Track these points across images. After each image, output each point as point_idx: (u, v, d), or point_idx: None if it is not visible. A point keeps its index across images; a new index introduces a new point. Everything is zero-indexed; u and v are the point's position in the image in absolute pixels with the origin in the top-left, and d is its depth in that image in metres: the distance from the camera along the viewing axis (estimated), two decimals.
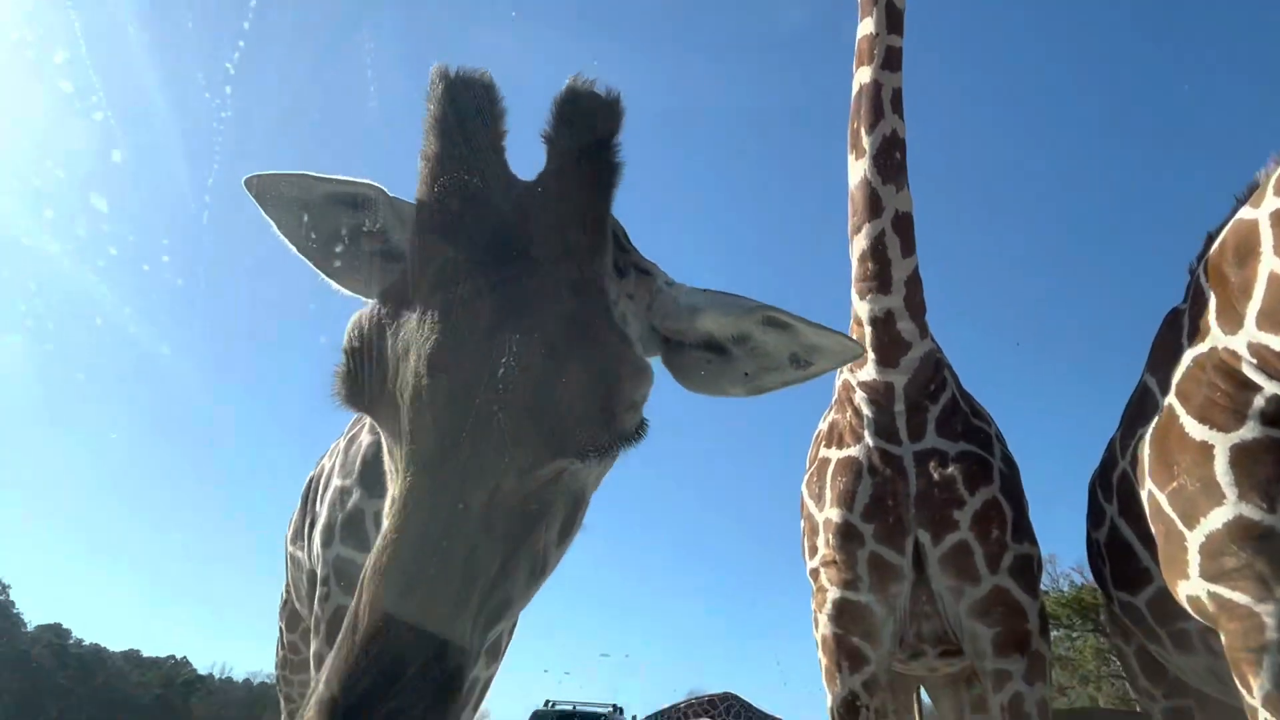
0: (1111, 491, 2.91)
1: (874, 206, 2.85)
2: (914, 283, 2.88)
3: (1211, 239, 2.46)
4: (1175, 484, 2.37)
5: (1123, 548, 2.84)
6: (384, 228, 1.34)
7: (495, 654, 3.06)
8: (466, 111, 1.16)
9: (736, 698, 14.45)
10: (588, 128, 1.18)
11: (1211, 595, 2.26)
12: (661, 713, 15.32)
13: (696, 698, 15.31)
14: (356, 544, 2.79)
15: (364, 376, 1.10)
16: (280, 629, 4.44)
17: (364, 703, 0.87)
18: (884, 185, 2.85)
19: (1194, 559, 2.29)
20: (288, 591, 4.11)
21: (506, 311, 1.07)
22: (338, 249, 1.35)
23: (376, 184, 1.34)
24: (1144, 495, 2.54)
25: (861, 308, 2.90)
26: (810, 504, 3.14)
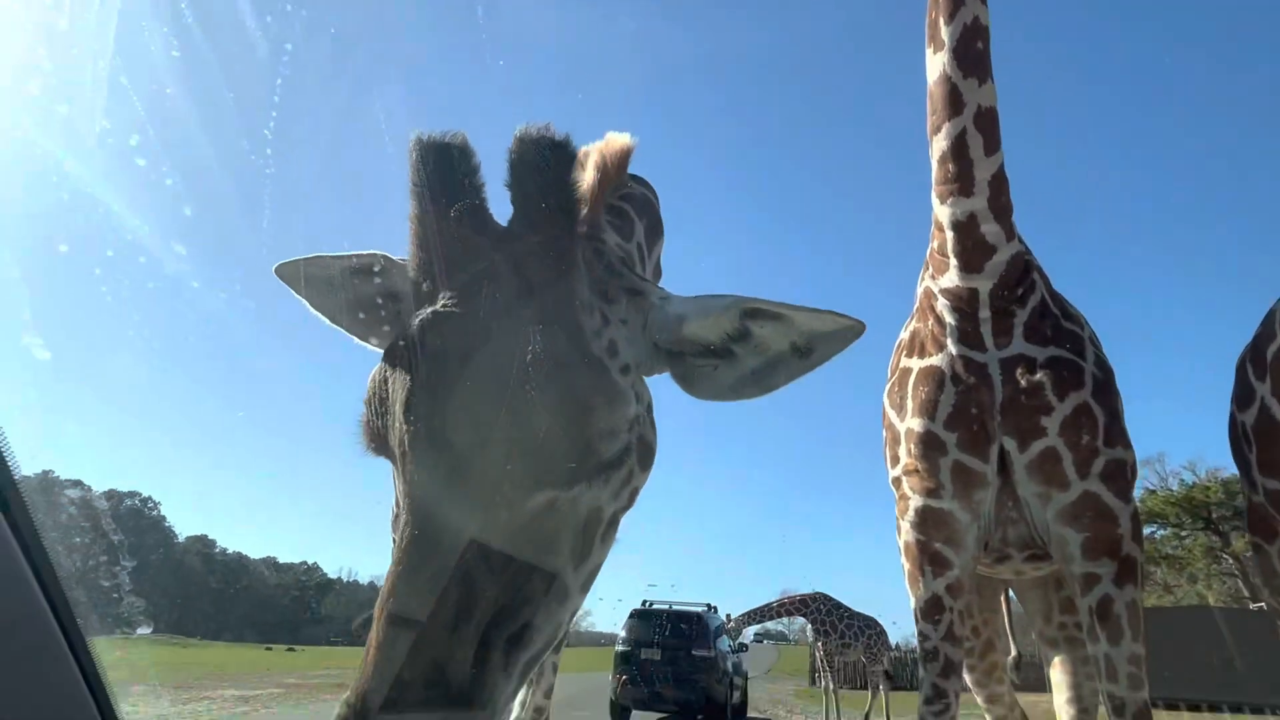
0: (1265, 368, 2.75)
1: (954, 103, 2.67)
2: (999, 182, 2.71)
3: None
4: None
5: (1273, 429, 2.70)
6: (393, 288, 1.49)
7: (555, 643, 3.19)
8: (442, 174, 1.23)
9: (827, 597, 14.82)
10: (542, 172, 1.22)
11: None
12: (754, 610, 15.91)
13: (788, 597, 15.79)
14: None
15: (378, 426, 1.21)
16: (392, 539, 4.82)
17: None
18: (965, 79, 2.65)
19: None
20: (395, 505, 4.43)
21: (475, 357, 1.15)
22: (361, 315, 1.50)
23: (380, 252, 1.52)
24: None
25: (942, 212, 2.77)
26: (891, 414, 3.12)
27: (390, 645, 1.03)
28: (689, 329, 1.40)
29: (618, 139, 2.10)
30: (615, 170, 2.04)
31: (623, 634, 14.52)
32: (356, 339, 1.52)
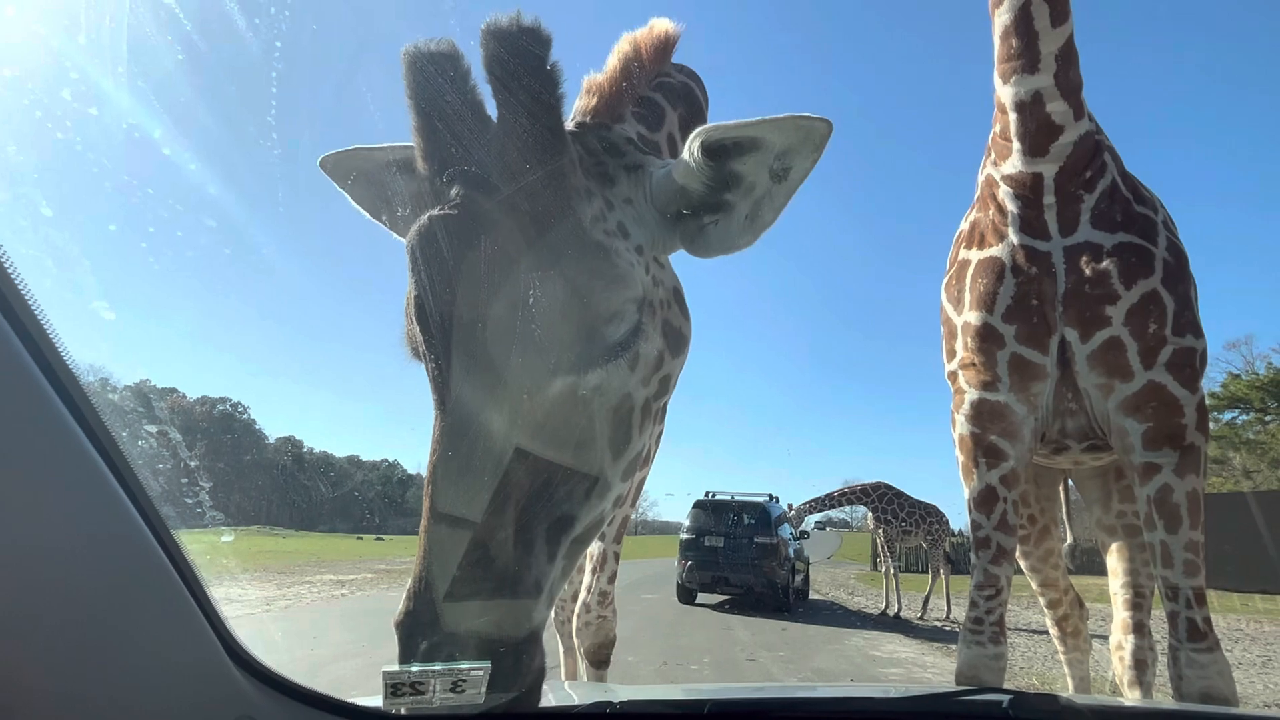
0: None
1: None
2: (1067, 56, 2.53)
3: None
4: None
5: None
6: None
7: (619, 502, 3.36)
8: (431, 82, 1.23)
9: (889, 486, 14.99)
10: (517, 60, 1.20)
11: None
12: (816, 499, 16.25)
13: (850, 486, 16.03)
14: None
15: (411, 332, 1.26)
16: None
17: (429, 613, 1.08)
18: None
19: None
20: None
21: (469, 256, 1.18)
22: (400, 211, 1.48)
23: None
24: None
25: (1005, 92, 2.62)
26: (949, 308, 3.06)
27: (437, 542, 1.12)
28: (678, 178, 1.40)
29: (660, 25, 2.03)
30: (651, 57, 1.98)
31: (687, 523, 15.11)
32: (396, 235, 1.52)
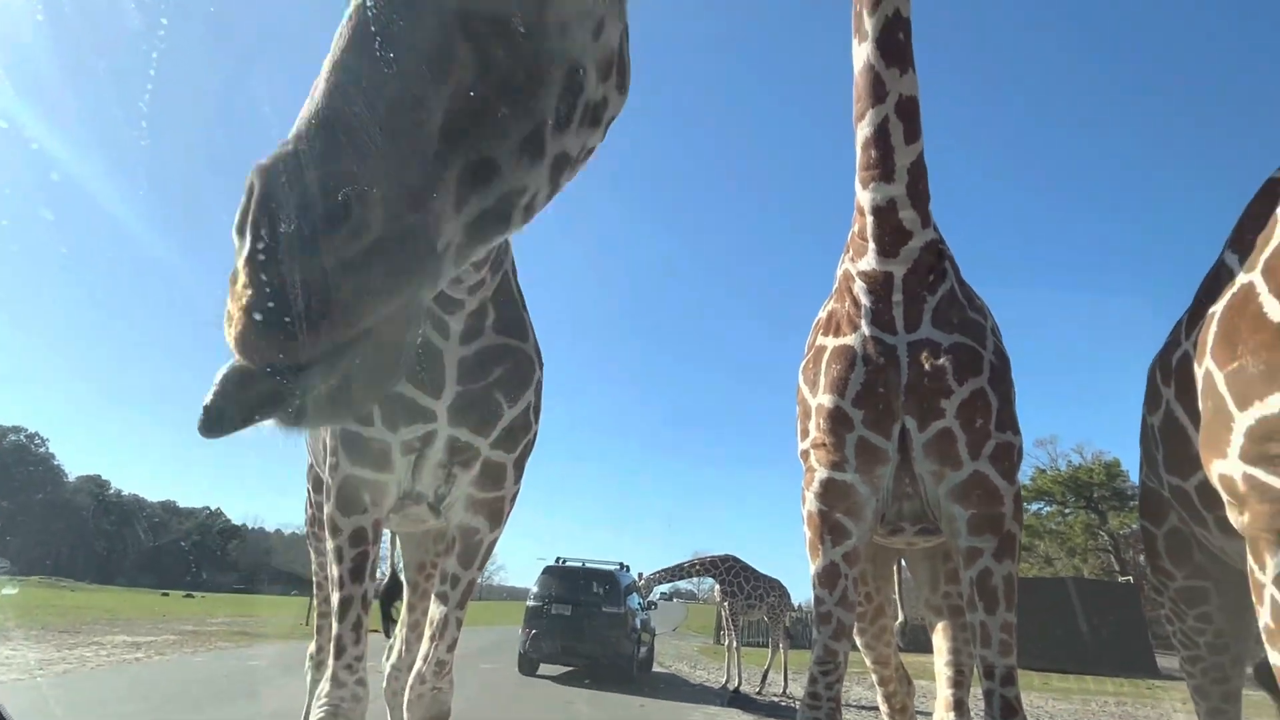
0: (1170, 374, 2.91)
1: (877, 91, 2.77)
2: (918, 170, 2.83)
3: None
4: (1237, 364, 2.28)
5: (1177, 432, 2.84)
6: None
7: (498, 520, 3.28)
8: None
9: (737, 559, 15.31)
10: None
11: (1246, 476, 2.23)
12: (666, 569, 16.32)
13: (700, 558, 16.24)
14: (362, 419, 2.91)
15: None
16: (308, 490, 4.72)
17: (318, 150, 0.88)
18: (887, 69, 2.76)
19: (1238, 440, 2.26)
20: (312, 457, 4.35)
21: None
22: None
23: None
24: (1200, 372, 2.46)
25: (864, 196, 2.88)
26: (805, 389, 3.23)
27: (311, 139, 0.90)
28: None
29: None
30: None
31: (534, 589, 14.70)
32: None
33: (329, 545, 2.99)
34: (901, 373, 2.95)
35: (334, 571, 2.94)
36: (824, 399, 3.06)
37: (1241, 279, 2.36)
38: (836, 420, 3.01)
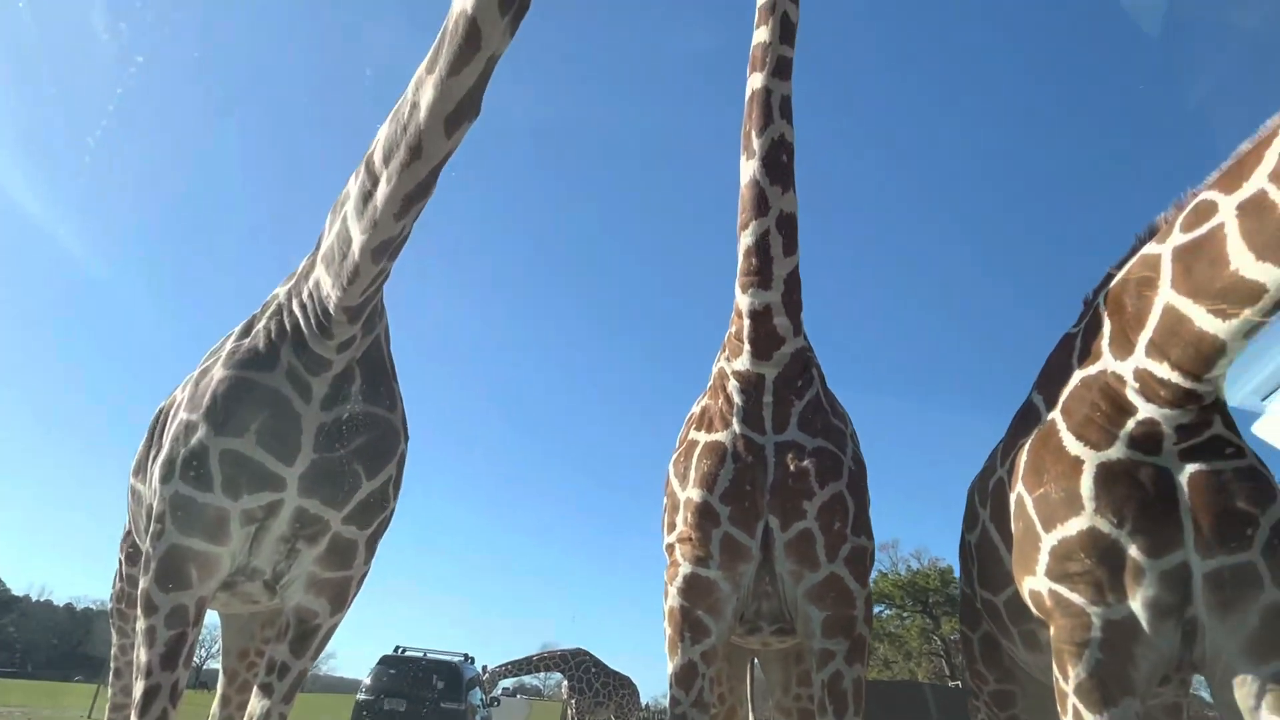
0: (987, 497, 3.15)
1: (761, 205, 2.99)
2: (793, 281, 3.04)
3: (1111, 275, 2.68)
4: (1043, 489, 2.60)
5: (991, 550, 3.09)
6: None
7: (341, 603, 3.03)
8: None
9: (587, 653, 14.86)
10: None
11: (1052, 592, 2.52)
12: (513, 662, 15.56)
13: (549, 651, 15.63)
14: (197, 482, 2.66)
15: None
16: (120, 560, 4.21)
17: None
18: (771, 185, 3.00)
19: (1044, 558, 2.55)
20: (131, 523, 3.90)
21: None
22: None
23: None
24: (1013, 497, 2.78)
25: (743, 300, 3.03)
26: (675, 482, 3.27)
27: None
28: None
29: None
30: None
31: (367, 682, 13.50)
32: None
33: (140, 625, 2.65)
34: (768, 472, 3.04)
35: (142, 656, 2.59)
36: (693, 493, 3.09)
37: (1046, 416, 2.73)
38: (704, 515, 3.04)
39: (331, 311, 2.64)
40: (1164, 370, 2.33)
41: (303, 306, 2.77)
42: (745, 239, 3.02)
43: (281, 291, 2.98)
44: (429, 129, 2.14)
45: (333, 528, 2.85)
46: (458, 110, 2.12)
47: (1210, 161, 2.30)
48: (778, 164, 3.02)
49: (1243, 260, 2.11)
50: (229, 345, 2.97)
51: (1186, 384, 2.31)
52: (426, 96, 2.11)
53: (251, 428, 2.70)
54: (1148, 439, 2.45)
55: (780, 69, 3.10)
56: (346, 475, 2.82)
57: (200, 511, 2.65)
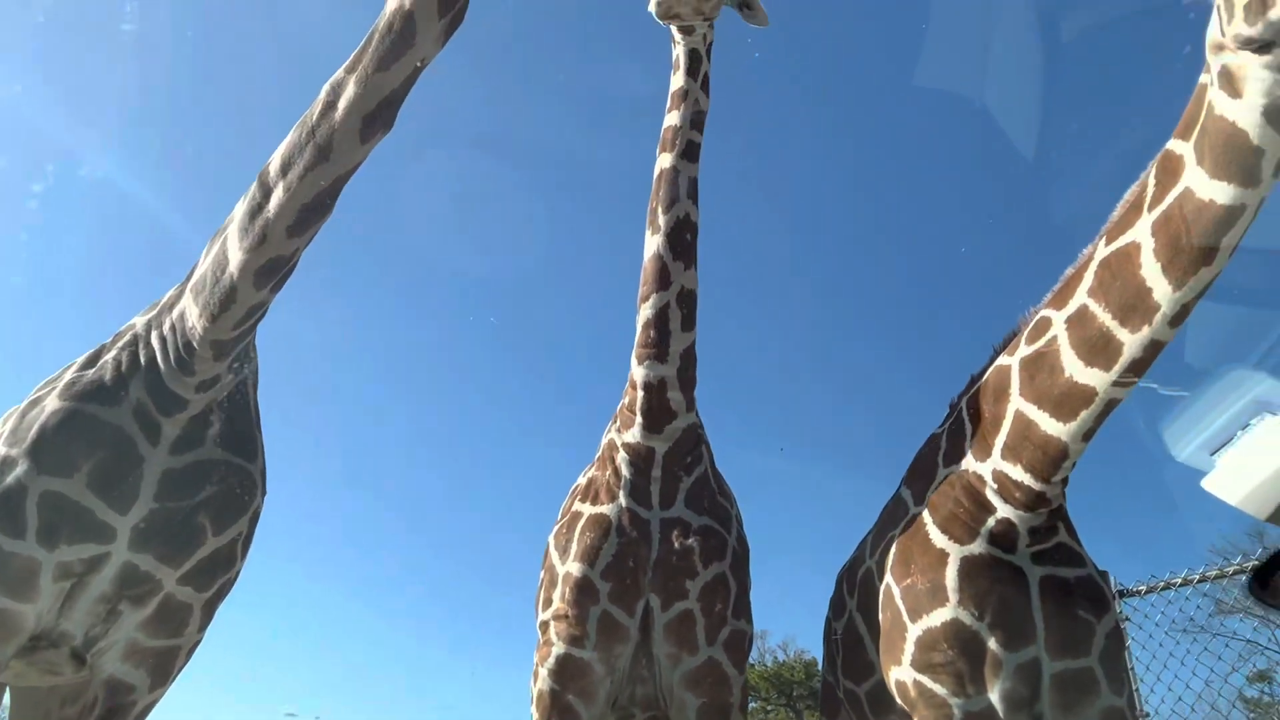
0: (855, 586, 3.17)
1: (663, 279, 3.05)
2: (689, 357, 3.07)
3: (974, 380, 2.86)
4: (909, 580, 2.65)
5: (856, 640, 3.10)
6: None
7: (164, 676, 2.66)
8: None
9: None
10: None
11: (916, 683, 2.56)
12: None
13: None
14: (7, 526, 2.30)
15: None
16: None
17: None
18: (674, 261, 3.06)
19: (909, 649, 2.59)
20: None
21: None
22: None
23: None
24: (881, 587, 2.82)
25: (638, 372, 3.03)
26: (555, 555, 3.13)
27: None
28: None
29: None
30: None
31: None
32: None
33: None
34: (652, 548, 2.97)
35: None
36: (573, 567, 2.97)
37: (914, 510, 2.84)
38: (583, 591, 2.91)
39: (195, 345, 2.41)
40: (1018, 473, 2.49)
41: (162, 340, 2.51)
42: (645, 311, 3.05)
43: (140, 321, 2.70)
44: (343, 128, 2.09)
45: (165, 588, 2.51)
46: (377, 111, 2.09)
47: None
48: (682, 241, 3.10)
49: (1074, 367, 2.33)
50: (68, 375, 2.63)
51: (1037, 486, 2.46)
52: (347, 94, 2.07)
53: (83, 468, 2.38)
54: (1005, 537, 2.59)
55: (689, 152, 3.24)
56: (189, 529, 2.52)
57: (6, 561, 2.28)
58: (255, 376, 2.95)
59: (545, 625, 3.03)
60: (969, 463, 2.68)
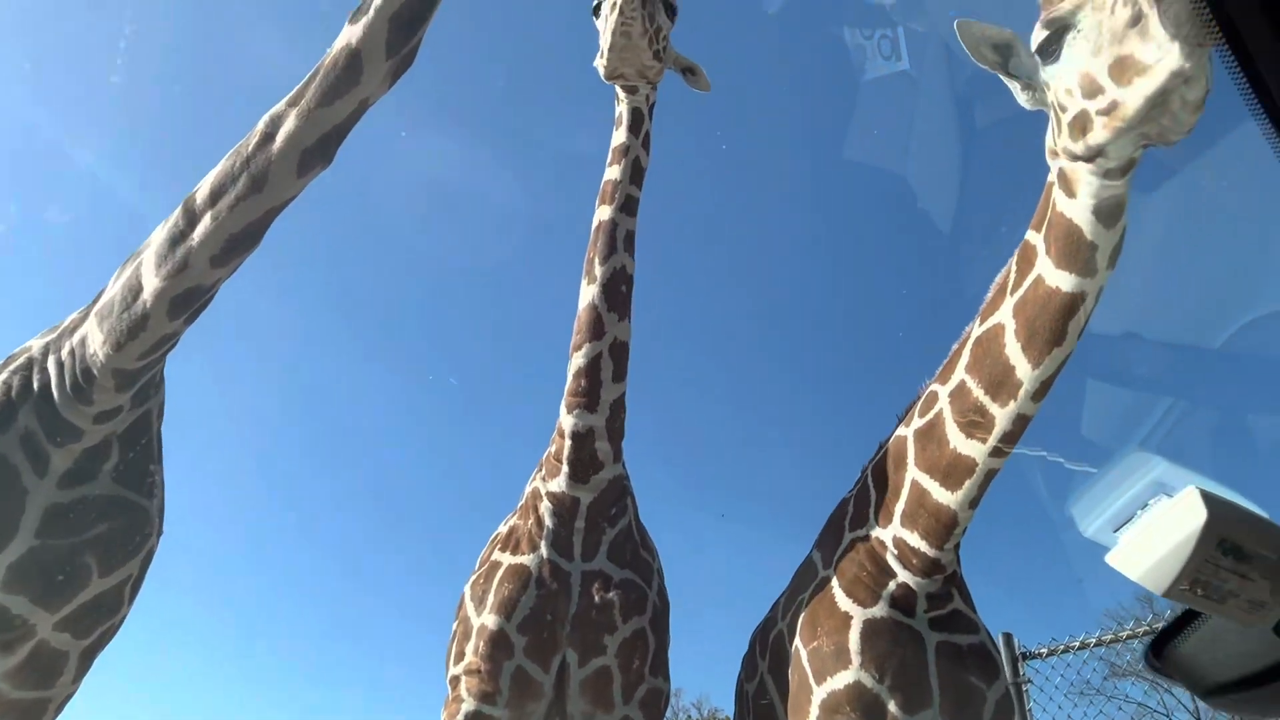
0: (767, 648, 3.18)
1: (596, 329, 3.06)
2: (618, 407, 3.08)
3: (882, 446, 2.95)
4: (816, 643, 2.68)
5: (767, 702, 3.09)
6: None
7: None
8: None
9: None
10: None
11: None
12: None
13: None
14: None
15: None
16: None
17: None
18: (609, 312, 3.09)
19: (815, 710, 2.60)
20: None
21: None
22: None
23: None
24: (792, 649, 2.84)
25: (567, 420, 3.01)
26: (470, 606, 3.02)
27: None
28: None
29: None
30: None
31: None
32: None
33: None
34: (572, 601, 2.90)
35: None
36: (489, 619, 2.87)
37: (822, 574, 2.90)
38: (497, 645, 2.82)
39: (96, 374, 2.26)
40: (915, 539, 2.58)
41: (59, 365, 2.36)
42: (577, 360, 3.05)
43: (36, 344, 2.53)
44: (280, 160, 2.05)
45: (39, 634, 2.31)
46: (317, 146, 2.06)
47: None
48: (617, 292, 3.13)
49: (957, 439, 2.48)
50: None
51: (932, 553, 2.56)
52: (287, 126, 2.04)
53: None
54: (905, 601, 2.67)
55: (627, 206, 3.30)
56: (72, 569, 2.33)
57: None
58: (161, 409, 2.79)
59: (456, 680, 2.91)
60: (872, 527, 2.76)
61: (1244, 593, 1.47)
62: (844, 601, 2.69)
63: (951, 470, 2.49)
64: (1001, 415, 2.36)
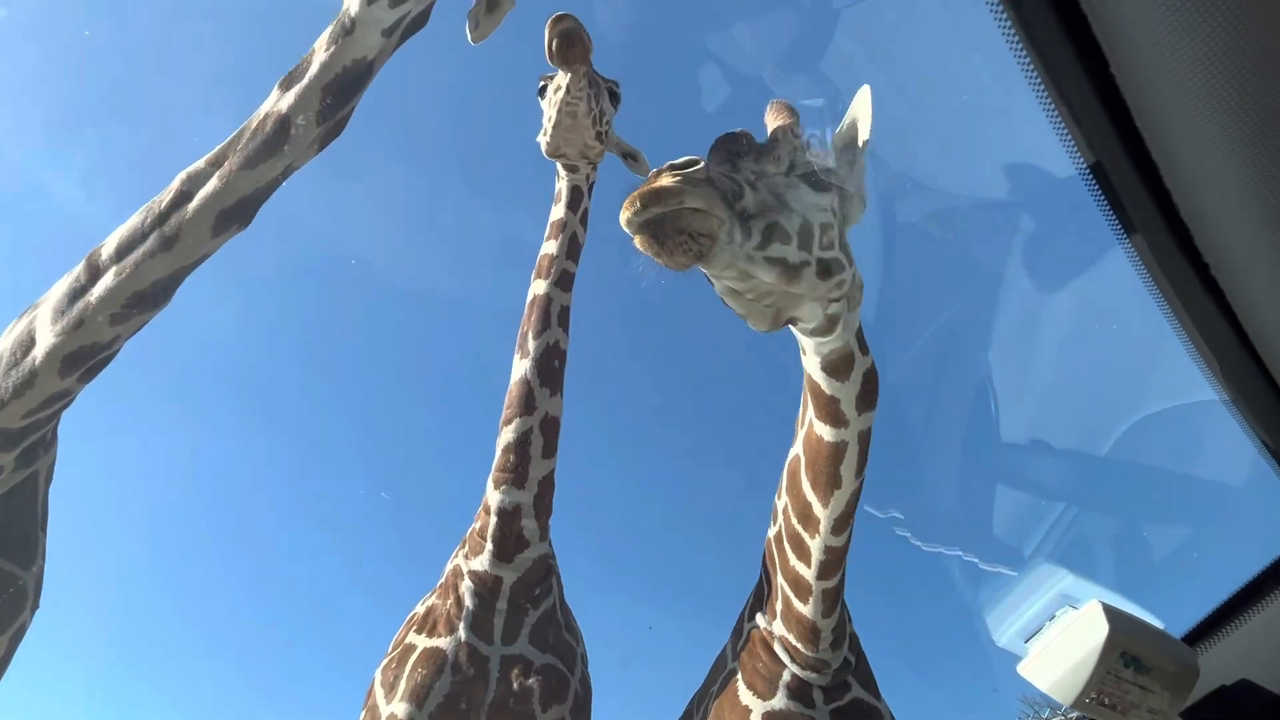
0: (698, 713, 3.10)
1: (528, 404, 3.04)
2: (547, 484, 3.03)
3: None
4: None
5: None
6: None
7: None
8: None
9: None
10: None
11: None
12: None
13: None
14: None
15: None
16: None
17: None
18: (541, 387, 3.08)
19: None
20: None
21: None
22: None
23: None
24: None
25: (493, 497, 2.94)
26: (379, 693, 2.86)
27: None
28: None
29: None
30: None
31: None
32: None
33: None
34: (489, 689, 2.79)
35: None
36: (398, 708, 2.73)
37: (730, 665, 2.89)
38: None
39: None
40: (794, 639, 2.58)
41: None
42: (507, 434, 3.01)
43: None
44: (196, 220, 1.99)
45: None
46: (236, 208, 2.01)
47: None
48: (549, 368, 3.13)
49: (791, 558, 2.46)
50: None
51: (810, 653, 2.55)
52: (206, 188, 1.98)
53: None
54: (801, 692, 2.64)
55: (563, 281, 3.33)
56: None
57: None
58: (50, 470, 2.61)
59: None
60: (765, 620, 2.75)
61: (1145, 703, 1.55)
62: (745, 695, 2.66)
63: (797, 585, 2.48)
64: (813, 546, 2.37)
